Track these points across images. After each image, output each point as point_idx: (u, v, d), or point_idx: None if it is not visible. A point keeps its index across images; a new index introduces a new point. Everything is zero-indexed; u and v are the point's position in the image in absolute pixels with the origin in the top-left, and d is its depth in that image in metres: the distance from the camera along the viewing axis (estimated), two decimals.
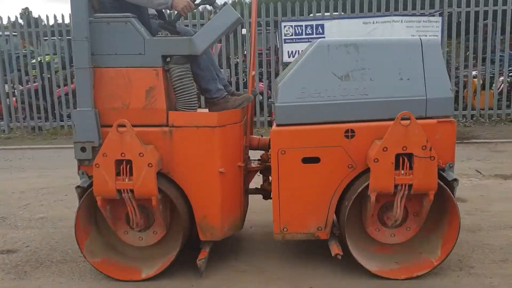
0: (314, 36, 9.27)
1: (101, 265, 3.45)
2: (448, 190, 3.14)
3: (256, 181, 3.93)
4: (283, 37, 9.39)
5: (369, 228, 3.39)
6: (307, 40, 9.14)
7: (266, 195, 3.83)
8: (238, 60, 10.09)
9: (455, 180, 3.14)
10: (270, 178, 3.76)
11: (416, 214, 3.32)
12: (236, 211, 3.54)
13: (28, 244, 4.16)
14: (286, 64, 9.28)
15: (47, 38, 10.37)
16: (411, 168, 3.05)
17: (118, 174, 3.18)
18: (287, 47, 9.44)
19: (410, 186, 3.07)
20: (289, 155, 3.26)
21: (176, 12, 3.43)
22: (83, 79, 3.23)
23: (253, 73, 3.77)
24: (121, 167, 3.16)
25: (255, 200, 4.11)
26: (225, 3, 3.35)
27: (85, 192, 3.31)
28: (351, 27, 9.22)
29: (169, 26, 3.43)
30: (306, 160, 3.26)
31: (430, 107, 3.19)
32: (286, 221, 3.35)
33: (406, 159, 3.05)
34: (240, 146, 3.50)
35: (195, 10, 4.07)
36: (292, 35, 9.35)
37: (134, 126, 3.21)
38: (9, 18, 10.44)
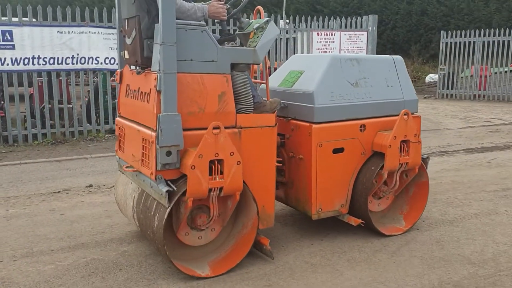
0: (2, 43, 8.68)
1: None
2: (423, 164, 4.46)
3: None
4: None
5: (371, 203, 4.42)
6: None
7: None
8: None
9: (428, 157, 4.49)
10: (278, 170, 4.38)
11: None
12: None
13: None
14: None
15: None
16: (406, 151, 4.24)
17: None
18: None
19: (406, 164, 4.25)
20: (324, 147, 4.01)
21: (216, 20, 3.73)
22: (171, 84, 3.27)
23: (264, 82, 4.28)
24: (213, 166, 3.36)
25: None
26: (268, 19, 3.84)
27: (173, 196, 3.34)
28: (44, 35, 9.00)
29: (230, 37, 3.69)
30: (335, 151, 4.08)
31: (406, 106, 4.42)
32: (320, 203, 4.09)
33: (405, 145, 4.22)
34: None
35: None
36: None
37: (205, 129, 3.45)
38: None
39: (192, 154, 3.31)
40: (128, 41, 3.69)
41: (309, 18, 11.94)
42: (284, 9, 26.36)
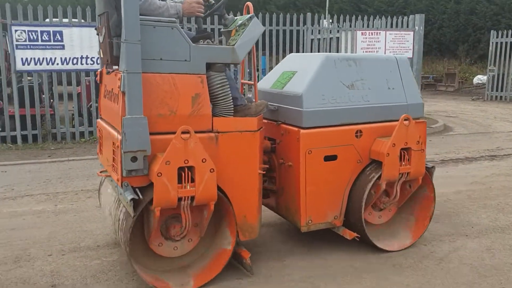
0: (52, 43, 8.87)
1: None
2: (428, 173, 4.07)
3: None
4: (15, 43, 8.63)
5: (365, 213, 4.06)
6: (44, 47, 8.81)
7: (265, 195, 4.13)
8: None
9: (433, 167, 4.09)
10: (269, 178, 4.10)
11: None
12: (261, 209, 3.78)
13: None
14: (20, 73, 8.82)
15: None
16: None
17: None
18: (20, 54, 8.67)
19: (408, 174, 3.87)
20: (314, 155, 3.70)
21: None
22: (135, 84, 3.04)
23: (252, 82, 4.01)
24: (183, 174, 3.12)
25: None
26: (252, 16, 3.57)
27: (138, 204, 3.11)
28: (92, 35, 8.98)
29: (205, 35, 3.44)
30: (327, 158, 3.75)
31: (410, 110, 4.04)
32: (310, 214, 3.77)
33: (405, 153, 3.84)
34: (262, 149, 3.76)
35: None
36: (25, 40, 8.69)
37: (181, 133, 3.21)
38: None
39: (160, 160, 3.07)
40: (100, 39, 3.51)
41: (353, 17, 11.68)
42: (327, 8, 25.93)
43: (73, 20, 9.17)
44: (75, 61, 9.05)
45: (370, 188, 3.82)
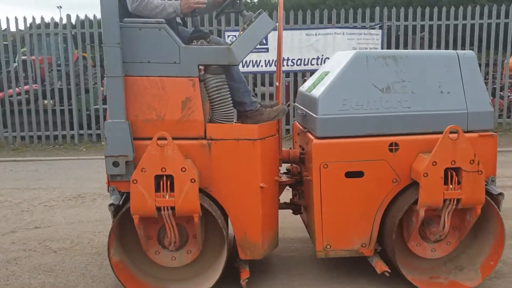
0: (258, 47, 8.98)
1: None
2: (494, 204, 3.16)
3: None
4: None
5: (410, 243, 3.36)
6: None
7: (296, 210, 3.73)
8: None
9: (501, 194, 3.17)
10: (299, 191, 3.68)
11: (456, 229, 3.32)
12: (274, 227, 3.42)
13: None
14: None
15: None
16: (459, 182, 3.04)
17: (157, 190, 2.97)
18: None
19: (458, 200, 3.06)
20: (332, 169, 3.17)
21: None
22: (116, 88, 2.99)
23: (277, 83, 3.65)
24: (161, 183, 2.96)
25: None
26: (261, 11, 3.21)
27: (119, 210, 3.07)
28: (294, 38, 9.31)
29: (199, 35, 3.20)
30: (349, 175, 3.18)
31: (471, 120, 3.20)
32: (329, 238, 3.25)
33: (454, 174, 3.04)
34: (277, 159, 3.38)
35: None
36: None
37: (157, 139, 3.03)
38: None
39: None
40: None
41: None
42: None
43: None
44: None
45: (410, 214, 3.14)
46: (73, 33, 9.67)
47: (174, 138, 3.03)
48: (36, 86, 9.67)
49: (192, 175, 2.94)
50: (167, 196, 2.96)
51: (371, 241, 3.28)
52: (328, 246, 3.27)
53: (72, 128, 9.65)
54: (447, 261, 3.43)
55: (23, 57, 10.12)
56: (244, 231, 3.23)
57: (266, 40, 9.08)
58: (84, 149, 9.08)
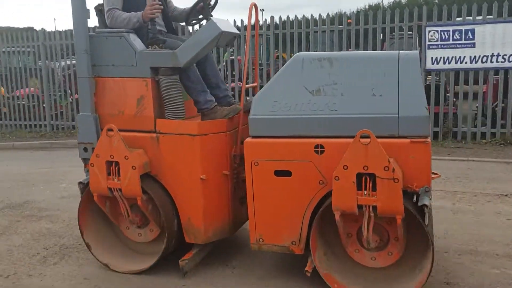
0: (463, 42, 8.71)
1: (101, 256, 3.85)
2: (417, 216, 2.96)
3: None
4: (427, 43, 8.83)
5: (349, 249, 3.34)
6: (454, 46, 8.71)
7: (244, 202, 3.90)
8: None
9: (425, 205, 2.95)
10: None
11: (397, 239, 3.18)
12: (223, 217, 3.68)
13: None
14: (428, 72, 9.02)
15: None
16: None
17: (109, 174, 3.52)
18: (430, 53, 8.87)
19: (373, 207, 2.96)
20: (262, 167, 3.32)
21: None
22: (84, 87, 3.62)
23: (240, 84, 3.86)
24: (111, 168, 3.50)
25: None
26: (209, 18, 3.49)
27: (85, 188, 3.71)
28: (506, 32, 8.42)
29: (154, 40, 3.62)
30: (278, 173, 3.29)
31: (404, 125, 3.03)
32: (262, 232, 3.41)
33: (369, 179, 2.95)
34: (226, 155, 3.63)
35: None
36: (437, 40, 8.80)
37: (127, 131, 3.57)
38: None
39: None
40: None
41: None
42: None
43: (488, 17, 8.79)
44: (484, 59, 8.86)
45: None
46: (274, 33, 10.05)
47: (131, 131, 3.57)
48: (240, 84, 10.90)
49: (133, 162, 3.42)
50: (115, 180, 3.50)
51: (301, 239, 3.34)
52: (261, 240, 3.43)
53: None
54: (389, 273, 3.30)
55: (231, 57, 11.41)
56: (188, 217, 3.59)
57: (473, 34, 8.60)
58: None
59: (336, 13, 10.17)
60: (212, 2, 3.88)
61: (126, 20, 3.65)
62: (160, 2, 3.64)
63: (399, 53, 3.14)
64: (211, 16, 3.78)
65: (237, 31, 3.76)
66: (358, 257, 3.34)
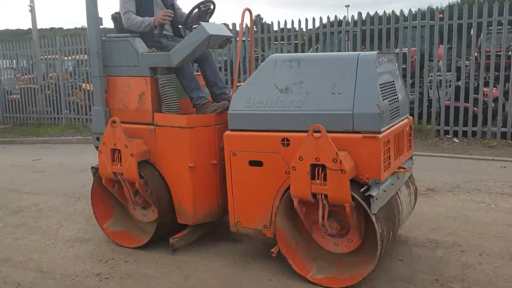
0: None
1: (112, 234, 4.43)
2: (364, 204, 3.21)
3: None
4: None
5: (314, 234, 3.64)
6: None
7: None
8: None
9: (371, 196, 3.19)
10: None
11: (357, 227, 3.44)
12: (211, 202, 4.10)
13: None
14: None
15: (276, 42, 11.28)
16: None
17: (114, 160, 4.07)
18: None
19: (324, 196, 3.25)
20: (239, 157, 3.70)
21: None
22: (96, 85, 4.20)
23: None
24: (115, 155, 4.04)
25: None
26: (199, 23, 3.93)
27: (97, 172, 4.29)
28: None
29: (155, 43, 4.13)
30: (252, 163, 3.66)
31: (357, 121, 3.28)
32: (239, 216, 3.79)
33: (320, 170, 3.24)
34: (215, 146, 4.04)
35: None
36: None
37: (131, 123, 4.09)
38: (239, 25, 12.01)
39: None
40: None
41: None
42: None
43: None
44: None
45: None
46: (362, 29, 10.03)
47: (134, 123, 4.10)
48: None
49: (132, 151, 3.94)
50: (118, 165, 4.03)
51: (271, 224, 3.68)
52: (238, 223, 3.81)
53: None
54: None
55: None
56: (179, 201, 4.05)
57: None
58: None
59: (428, 7, 9.92)
60: (211, 7, 4.32)
61: (139, 23, 4.16)
62: (172, 12, 4.12)
63: (359, 54, 3.39)
64: (207, 21, 4.21)
65: (229, 34, 4.16)
66: (323, 242, 3.62)
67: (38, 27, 14.38)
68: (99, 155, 4.11)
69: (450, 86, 9.89)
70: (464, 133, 9.42)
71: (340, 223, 3.50)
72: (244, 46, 11.61)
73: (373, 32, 9.90)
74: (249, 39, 10.87)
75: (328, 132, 3.23)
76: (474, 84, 9.35)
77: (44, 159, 9.05)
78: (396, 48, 10.51)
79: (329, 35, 10.39)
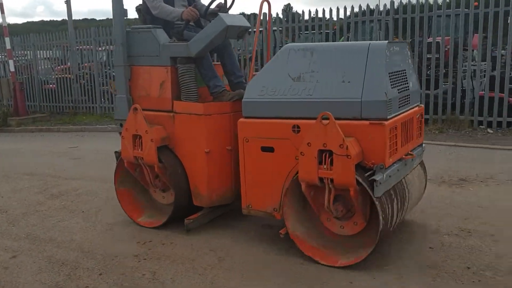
0: None
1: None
2: (368, 188, 3.29)
3: None
4: None
5: (321, 217, 3.74)
6: None
7: None
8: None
9: (375, 180, 3.26)
10: None
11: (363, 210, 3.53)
12: (226, 186, 4.25)
13: None
14: None
15: (307, 32, 11.21)
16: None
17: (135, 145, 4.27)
18: None
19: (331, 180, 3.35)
20: (251, 143, 3.83)
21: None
22: (120, 74, 4.40)
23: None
24: (136, 140, 4.24)
25: None
26: (217, 14, 4.05)
27: (120, 156, 4.51)
28: None
29: (176, 33, 4.29)
30: (264, 149, 3.78)
31: (365, 109, 3.35)
32: (250, 199, 3.94)
33: (327, 155, 3.33)
34: (230, 132, 4.17)
35: None
36: None
37: (152, 110, 4.27)
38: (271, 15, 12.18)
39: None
40: None
41: None
42: None
43: None
44: None
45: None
46: (394, 18, 9.92)
47: (155, 110, 4.29)
48: None
49: (152, 136, 4.13)
50: (139, 150, 4.24)
51: (281, 207, 3.79)
52: (250, 206, 3.95)
53: None
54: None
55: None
56: (195, 184, 4.22)
57: None
58: None
59: None
60: (229, 1, 4.44)
61: (169, 12, 4.32)
62: (198, 13, 4.26)
63: (370, 43, 3.45)
64: (227, 12, 4.34)
65: (247, 25, 4.27)
66: (329, 224, 3.72)
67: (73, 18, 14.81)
68: (122, 140, 4.32)
69: (484, 76, 9.71)
70: (499, 124, 9.26)
71: (346, 206, 3.58)
72: (274, 36, 11.64)
73: (406, 21, 9.77)
74: (280, 28, 11.15)
75: (337, 119, 3.33)
76: (510, 74, 9.14)
77: (80, 146, 9.42)
78: (429, 37, 10.37)
79: (360, 24, 10.34)
